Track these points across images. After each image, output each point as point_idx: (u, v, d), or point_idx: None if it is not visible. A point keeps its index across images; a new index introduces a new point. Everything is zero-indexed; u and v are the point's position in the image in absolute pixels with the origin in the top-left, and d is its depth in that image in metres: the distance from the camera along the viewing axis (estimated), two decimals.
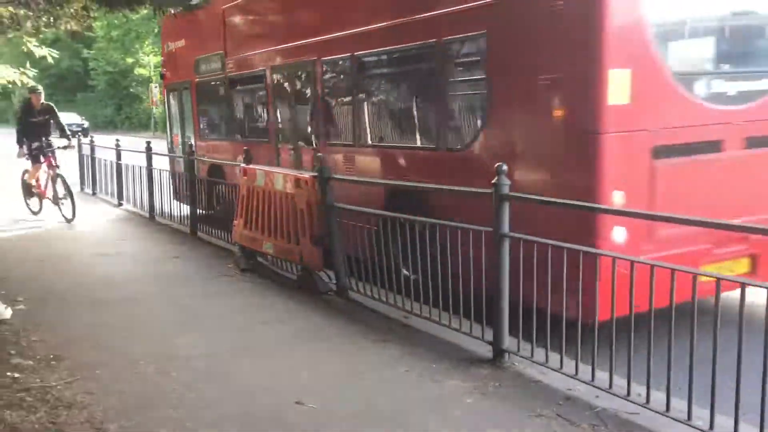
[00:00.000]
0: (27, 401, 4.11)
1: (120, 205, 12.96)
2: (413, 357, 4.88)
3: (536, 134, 5.44)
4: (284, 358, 4.94)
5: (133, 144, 15.55)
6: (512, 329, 4.74)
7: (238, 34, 10.16)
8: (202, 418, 3.93)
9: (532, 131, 5.49)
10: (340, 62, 7.91)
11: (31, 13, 7.72)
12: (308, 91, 8.61)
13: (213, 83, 11.10)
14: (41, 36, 9.30)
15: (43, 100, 11.24)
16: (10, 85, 12.49)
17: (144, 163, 11.46)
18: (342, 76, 8.06)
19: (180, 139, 12.59)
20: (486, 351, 4.84)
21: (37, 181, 11.44)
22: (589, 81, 4.96)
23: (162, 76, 13.46)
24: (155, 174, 11.25)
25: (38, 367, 4.75)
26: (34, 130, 11.07)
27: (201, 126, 11.77)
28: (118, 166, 13.04)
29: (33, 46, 9.29)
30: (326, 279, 6.67)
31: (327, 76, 8.22)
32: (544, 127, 5.32)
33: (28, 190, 11.89)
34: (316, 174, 6.55)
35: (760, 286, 3.38)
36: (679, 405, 3.70)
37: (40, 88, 11.63)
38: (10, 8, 7.44)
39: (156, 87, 14.06)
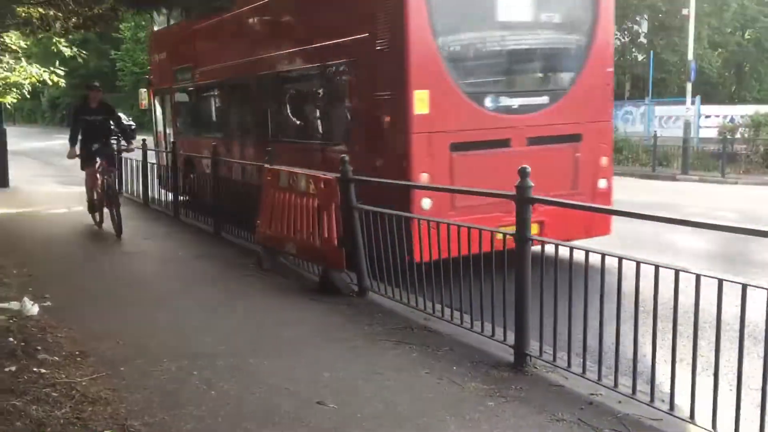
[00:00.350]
0: (52, 396, 4.17)
1: (146, 204, 13.12)
2: (433, 359, 4.88)
3: (377, 134, 7.53)
4: (305, 357, 4.96)
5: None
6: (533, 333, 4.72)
7: (203, 51, 12.22)
8: (223, 417, 3.96)
9: (375, 132, 7.57)
10: (268, 77, 9.93)
11: (60, 14, 7.82)
12: (248, 98, 10.82)
13: (186, 90, 13.37)
14: (70, 36, 9.42)
15: (101, 98, 10.34)
16: (39, 84, 12.70)
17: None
18: (269, 88, 10.11)
19: (163, 136, 14.62)
20: (508, 354, 4.82)
21: (98, 189, 10.15)
22: (402, 98, 7.06)
23: (149, 83, 15.43)
24: (180, 174, 11.38)
25: (63, 363, 4.81)
26: (90, 130, 10.00)
27: (177, 125, 13.89)
28: (144, 166, 13.20)
29: (62, 46, 9.41)
30: (347, 279, 6.69)
31: (260, 87, 10.30)
32: (381, 129, 7.45)
33: (92, 201, 10.53)
34: (338, 175, 6.57)
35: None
36: (705, 412, 3.66)
37: (98, 84, 10.60)
38: (40, 9, 7.55)
39: (144, 91, 15.26)
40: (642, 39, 28.51)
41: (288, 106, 9.75)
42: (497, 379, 4.49)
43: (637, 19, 28.37)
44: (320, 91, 9.01)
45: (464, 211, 6.77)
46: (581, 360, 4.38)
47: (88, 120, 9.94)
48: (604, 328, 4.23)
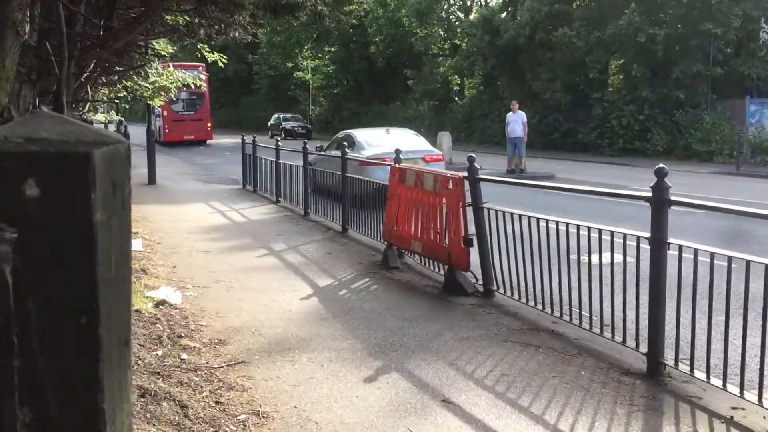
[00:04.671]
0: (194, 380, 4.44)
1: (277, 201, 13.67)
2: (561, 362, 4.78)
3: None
4: (430, 355, 5.00)
5: (290, 144, 16.33)
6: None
7: None
8: (350, 407, 4.08)
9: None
10: None
11: (204, 22, 8.27)
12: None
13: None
14: (212, 42, 9.98)
15: None
16: (184, 87, 13.54)
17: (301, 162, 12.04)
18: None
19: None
20: (640, 362, 4.65)
21: None
22: (163, 114, 34.43)
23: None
24: (310, 173, 11.78)
25: (204, 350, 5.11)
26: None
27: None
28: (276, 165, 13.76)
29: (206, 52, 9.96)
30: (473, 280, 6.67)
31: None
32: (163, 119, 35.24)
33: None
34: (466, 174, 6.57)
35: None
36: None
37: None
38: (186, 17, 8.03)
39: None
40: None
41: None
42: (629, 388, 4.34)
43: None
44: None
45: None
46: (721, 372, 4.15)
47: None
48: (746, 340, 3.99)
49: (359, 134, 13.98)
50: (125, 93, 12.09)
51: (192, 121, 34.95)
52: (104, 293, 0.63)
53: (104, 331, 0.64)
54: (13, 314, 0.64)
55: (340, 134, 14.75)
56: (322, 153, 13.50)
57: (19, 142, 0.64)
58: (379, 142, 13.16)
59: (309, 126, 44.17)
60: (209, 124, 36.03)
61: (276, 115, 45.29)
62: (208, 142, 35.59)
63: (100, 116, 17.57)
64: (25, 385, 0.62)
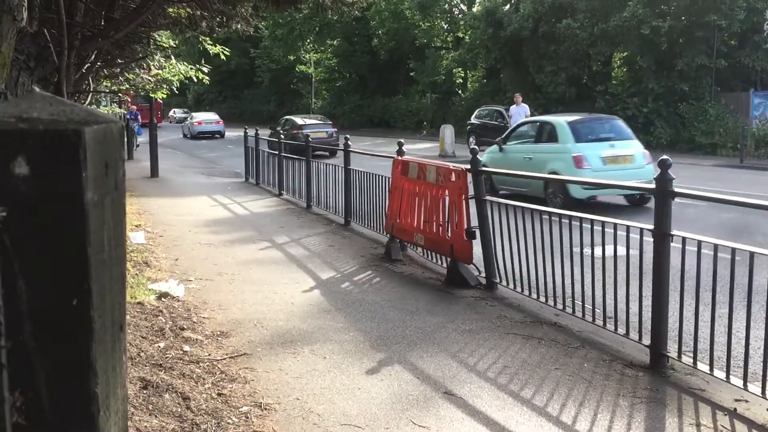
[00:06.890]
0: (196, 373, 4.44)
1: (280, 194, 13.65)
2: (564, 355, 4.77)
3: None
4: (432, 348, 4.99)
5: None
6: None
7: None
8: (352, 399, 4.07)
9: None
10: None
11: (206, 14, 8.25)
12: None
13: None
14: (214, 35, 9.96)
15: None
16: (186, 81, 13.51)
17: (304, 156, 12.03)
18: None
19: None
20: (643, 355, 4.63)
21: None
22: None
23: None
24: (313, 166, 11.76)
25: (206, 342, 5.11)
26: None
27: None
28: (279, 158, 13.74)
29: (207, 44, 9.94)
30: (476, 272, 6.66)
31: None
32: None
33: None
34: (468, 167, 6.55)
35: None
36: None
37: None
38: (188, 9, 8.01)
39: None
40: None
41: None
42: (632, 380, 4.33)
43: None
44: None
45: None
46: (724, 364, 4.14)
47: None
48: (750, 332, 3.97)
49: (194, 113, 37.37)
50: (128, 86, 12.08)
51: (147, 110, 48.56)
52: (96, 275, 0.62)
53: (97, 313, 0.63)
54: (2, 295, 0.63)
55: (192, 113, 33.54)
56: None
57: (10, 121, 0.63)
58: (201, 115, 36.88)
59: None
60: (158, 112, 59.98)
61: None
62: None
63: (103, 109, 17.61)
64: (16, 368, 0.62)
